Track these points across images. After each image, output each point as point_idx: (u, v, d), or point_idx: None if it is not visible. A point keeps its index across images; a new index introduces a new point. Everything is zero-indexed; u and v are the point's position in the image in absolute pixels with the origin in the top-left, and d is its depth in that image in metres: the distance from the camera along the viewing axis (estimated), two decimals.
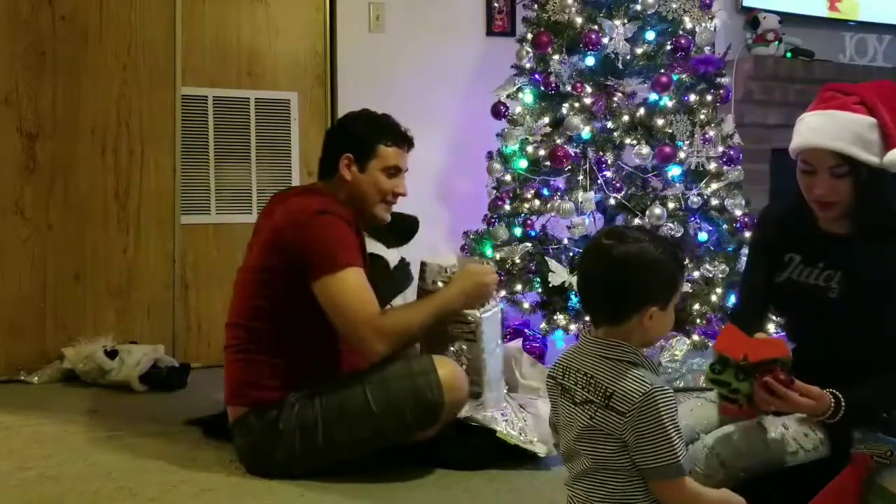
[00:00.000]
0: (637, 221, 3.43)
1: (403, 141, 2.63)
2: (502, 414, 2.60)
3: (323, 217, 2.41)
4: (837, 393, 1.96)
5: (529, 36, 3.68)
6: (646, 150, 3.41)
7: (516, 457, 2.55)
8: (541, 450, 2.53)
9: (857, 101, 2.00)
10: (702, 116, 3.55)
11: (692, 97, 3.55)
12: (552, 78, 3.58)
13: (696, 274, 3.46)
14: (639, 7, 3.55)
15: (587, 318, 3.35)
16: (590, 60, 3.58)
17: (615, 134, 3.50)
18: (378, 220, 2.64)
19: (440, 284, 2.61)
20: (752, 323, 2.27)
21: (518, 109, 3.72)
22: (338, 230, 2.41)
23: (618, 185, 3.47)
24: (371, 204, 2.59)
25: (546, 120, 3.63)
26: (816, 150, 2.01)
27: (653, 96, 3.51)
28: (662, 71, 3.50)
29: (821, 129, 2.00)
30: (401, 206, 2.73)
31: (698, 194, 3.51)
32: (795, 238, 2.19)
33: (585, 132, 3.49)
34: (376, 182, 2.57)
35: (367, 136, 2.58)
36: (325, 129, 4.20)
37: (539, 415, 2.67)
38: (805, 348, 2.09)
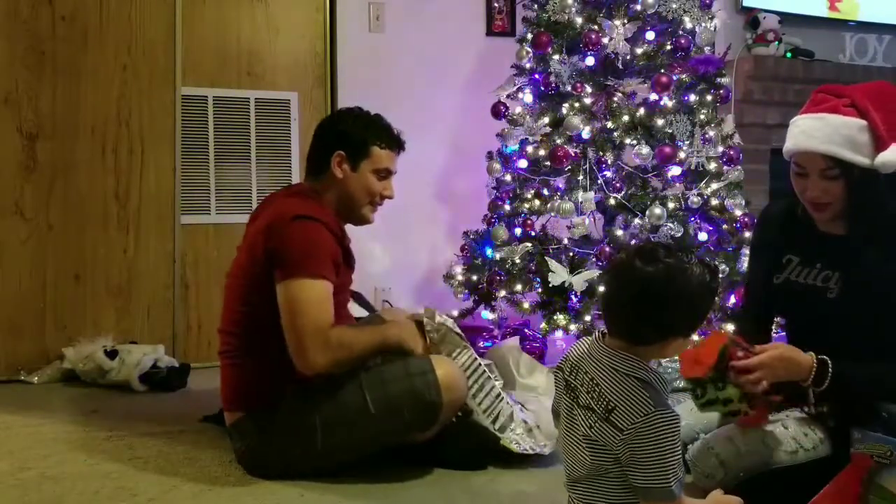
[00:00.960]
0: (637, 221, 3.42)
1: (396, 144, 2.60)
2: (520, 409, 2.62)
3: (300, 222, 2.37)
4: (827, 359, 1.98)
5: (529, 36, 3.68)
6: (646, 150, 3.41)
7: (516, 456, 2.55)
8: (544, 447, 2.53)
9: (847, 104, 2.01)
10: (702, 116, 3.56)
11: (692, 97, 3.55)
12: (552, 78, 3.58)
13: None
14: (639, 7, 3.55)
15: (594, 315, 3.35)
16: (590, 60, 3.58)
17: (615, 134, 3.50)
18: (364, 221, 2.62)
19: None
20: (757, 324, 2.29)
21: (518, 109, 3.72)
22: (313, 236, 2.37)
23: (618, 185, 3.47)
24: (359, 204, 2.57)
25: (546, 120, 3.63)
26: (807, 153, 2.03)
27: (653, 96, 3.50)
28: (662, 71, 3.50)
29: (811, 132, 2.01)
30: (397, 207, 2.70)
31: (698, 194, 3.51)
32: (794, 239, 2.19)
33: (585, 132, 3.49)
34: (366, 182, 2.55)
35: (361, 136, 2.54)
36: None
37: (540, 409, 2.68)
38: (805, 349, 2.08)
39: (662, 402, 1.55)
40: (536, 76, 3.66)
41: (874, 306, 2.03)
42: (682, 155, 3.49)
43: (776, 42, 4.59)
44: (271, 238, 2.37)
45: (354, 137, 2.54)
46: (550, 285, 3.46)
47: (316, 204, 2.48)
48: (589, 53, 3.55)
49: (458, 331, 2.62)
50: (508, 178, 3.75)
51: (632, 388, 1.55)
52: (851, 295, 2.06)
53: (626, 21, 3.53)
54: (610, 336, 1.63)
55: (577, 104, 3.53)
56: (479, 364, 2.59)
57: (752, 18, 4.63)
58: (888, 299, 2.02)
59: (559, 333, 3.48)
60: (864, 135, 1.98)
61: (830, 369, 1.97)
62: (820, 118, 2.02)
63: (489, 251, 3.69)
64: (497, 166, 3.76)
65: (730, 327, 3.38)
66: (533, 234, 3.65)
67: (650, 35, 3.57)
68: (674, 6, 3.59)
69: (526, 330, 3.69)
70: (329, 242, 2.40)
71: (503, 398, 2.61)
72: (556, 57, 3.59)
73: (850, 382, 2.00)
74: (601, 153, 3.48)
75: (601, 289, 1.71)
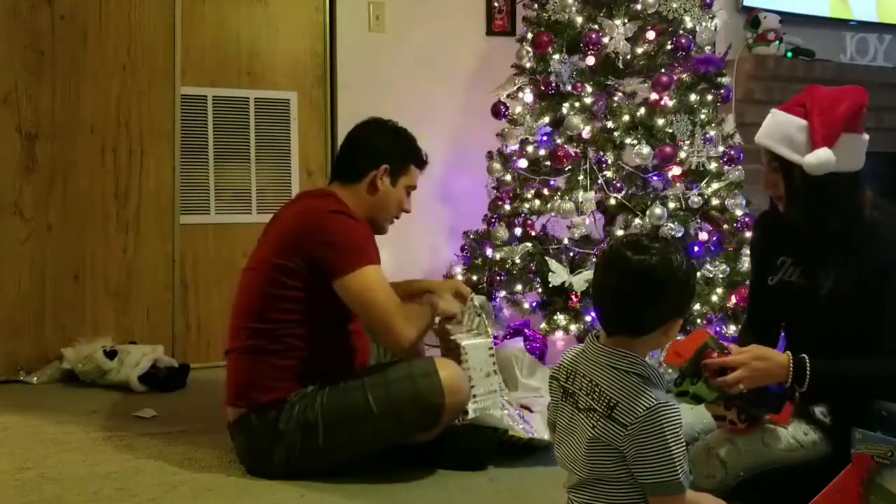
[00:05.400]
0: (637, 221, 3.42)
1: (425, 164, 2.74)
2: (508, 414, 2.62)
3: (337, 216, 2.46)
4: (805, 357, 1.99)
5: (529, 35, 3.67)
6: (646, 149, 3.40)
7: (516, 456, 2.56)
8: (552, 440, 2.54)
9: (799, 104, 2.09)
10: (702, 116, 3.55)
11: (693, 97, 3.55)
12: (552, 78, 3.58)
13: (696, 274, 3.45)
14: (639, 6, 3.54)
15: (587, 319, 3.35)
16: (590, 60, 3.58)
17: (615, 134, 3.49)
18: (382, 232, 2.70)
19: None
20: (761, 327, 2.29)
21: (518, 109, 3.72)
22: (354, 227, 2.47)
23: (618, 184, 3.47)
24: (386, 216, 2.68)
25: (546, 120, 3.63)
26: (759, 145, 2.15)
27: (653, 96, 3.50)
28: (663, 70, 3.50)
29: (763, 127, 2.14)
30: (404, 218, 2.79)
31: (699, 194, 3.50)
32: (785, 240, 2.22)
33: (586, 132, 3.49)
34: (400, 197, 2.67)
35: (404, 154, 2.67)
36: (325, 128, 4.24)
37: (545, 410, 2.68)
38: (803, 349, 2.09)
39: (663, 396, 1.55)
40: (536, 76, 3.65)
41: (861, 302, 2.04)
42: (682, 155, 3.48)
43: (777, 42, 4.58)
44: (310, 241, 2.42)
45: (400, 154, 2.66)
46: (550, 285, 3.46)
47: (345, 205, 2.55)
48: (589, 53, 3.55)
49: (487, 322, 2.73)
50: (508, 178, 3.74)
51: (632, 384, 1.55)
52: (839, 291, 2.08)
53: (626, 20, 3.52)
54: (608, 334, 1.62)
55: (577, 104, 3.53)
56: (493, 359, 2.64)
57: (752, 18, 4.62)
58: (874, 296, 2.04)
59: (559, 333, 3.48)
60: (801, 134, 2.05)
61: (808, 368, 1.99)
62: (772, 114, 2.13)
63: (489, 251, 3.68)
64: (497, 166, 3.76)
65: (731, 328, 3.38)
66: (533, 234, 3.65)
67: (650, 35, 3.56)
68: (674, 6, 3.59)
69: (526, 330, 3.69)
70: (367, 231, 2.52)
71: (498, 399, 2.63)
72: (556, 56, 3.59)
73: (832, 380, 2.02)
74: (601, 153, 3.48)
75: (593, 287, 1.68)
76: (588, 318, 3.35)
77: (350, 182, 2.62)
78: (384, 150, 2.63)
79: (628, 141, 3.46)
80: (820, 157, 2.01)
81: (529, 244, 3.60)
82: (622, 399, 1.54)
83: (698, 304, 3.42)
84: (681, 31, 3.58)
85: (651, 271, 1.56)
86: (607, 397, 1.56)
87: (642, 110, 3.50)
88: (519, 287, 3.53)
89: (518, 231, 3.64)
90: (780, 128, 2.09)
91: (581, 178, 3.50)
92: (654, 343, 1.63)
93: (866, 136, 2.11)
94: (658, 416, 1.51)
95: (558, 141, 3.52)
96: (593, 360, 1.62)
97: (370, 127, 2.72)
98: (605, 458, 1.56)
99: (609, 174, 3.47)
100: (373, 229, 2.63)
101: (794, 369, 2.00)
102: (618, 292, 1.60)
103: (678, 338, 2.06)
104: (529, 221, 3.65)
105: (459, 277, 3.81)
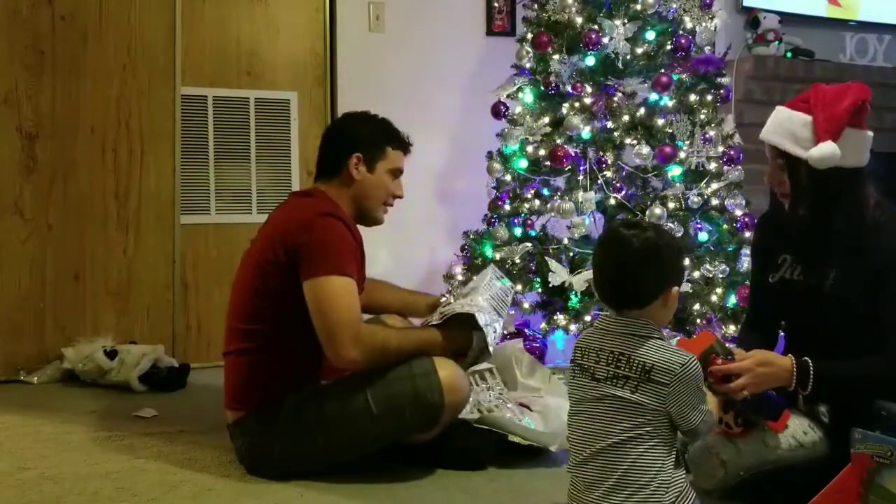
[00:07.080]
0: None
1: (406, 145, 2.67)
2: (510, 411, 2.63)
3: (324, 219, 2.41)
4: (808, 360, 2.00)
5: (529, 36, 3.67)
6: (646, 149, 3.40)
7: (516, 456, 2.56)
8: (551, 442, 2.55)
9: (804, 100, 2.11)
10: (702, 116, 3.55)
11: (692, 97, 3.55)
12: (552, 78, 3.58)
13: (696, 274, 3.46)
14: (639, 7, 3.55)
15: (587, 319, 3.35)
16: (590, 60, 3.58)
17: (615, 134, 3.50)
18: (376, 222, 2.66)
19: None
20: (762, 327, 2.30)
21: (518, 109, 3.72)
22: (338, 232, 2.41)
23: (618, 185, 3.47)
24: (374, 204, 2.62)
25: (546, 120, 3.63)
26: (764, 141, 2.16)
27: (653, 96, 3.50)
28: (663, 71, 3.50)
29: (768, 124, 2.16)
30: (397, 207, 2.73)
31: (698, 194, 3.50)
32: (787, 239, 2.22)
33: (585, 132, 3.49)
34: (383, 182, 2.60)
35: (376, 137, 2.61)
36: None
37: (546, 411, 2.68)
38: (803, 348, 2.09)
39: (685, 351, 1.76)
40: (536, 76, 3.65)
41: (861, 301, 2.05)
42: (682, 155, 3.48)
43: (776, 42, 4.58)
44: (294, 235, 2.40)
45: (371, 139, 2.60)
46: (550, 285, 3.46)
47: (335, 205, 2.52)
48: (589, 53, 3.55)
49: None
50: (508, 178, 3.74)
51: (659, 347, 1.73)
52: (839, 290, 2.08)
53: (626, 21, 3.53)
54: (617, 311, 1.79)
55: (577, 104, 3.53)
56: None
57: (752, 18, 4.62)
58: (874, 296, 2.04)
59: (559, 333, 3.48)
60: (805, 129, 2.06)
61: (812, 370, 1.99)
62: (777, 111, 2.15)
63: (489, 251, 3.68)
64: (497, 166, 3.76)
65: (731, 328, 3.38)
66: (533, 234, 3.65)
67: (650, 35, 3.56)
68: (674, 6, 3.59)
69: (526, 330, 3.69)
70: (350, 240, 2.45)
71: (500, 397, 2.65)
72: (556, 57, 3.59)
73: (835, 382, 2.02)
74: (601, 153, 3.48)
75: (595, 268, 1.84)
76: (588, 318, 3.36)
77: (330, 177, 2.60)
78: (353, 139, 2.58)
79: (628, 141, 3.47)
80: (824, 151, 2.01)
81: (529, 244, 3.60)
82: (656, 361, 1.71)
83: (698, 304, 3.42)
84: (680, 32, 3.58)
85: (646, 241, 1.77)
86: (640, 363, 1.71)
87: (642, 110, 3.51)
88: (519, 287, 3.54)
89: (518, 231, 3.65)
90: (784, 124, 2.10)
91: (581, 178, 3.51)
92: (657, 316, 1.78)
93: (870, 133, 2.11)
94: (690, 367, 1.73)
95: (558, 141, 3.52)
96: (610, 332, 1.78)
97: (341, 119, 2.72)
98: (634, 418, 1.71)
99: (609, 174, 3.48)
100: (366, 220, 2.62)
101: (798, 373, 2.00)
102: (618, 264, 1.79)
103: (678, 337, 2.09)
104: (529, 221, 3.65)
105: (459, 278, 3.81)
